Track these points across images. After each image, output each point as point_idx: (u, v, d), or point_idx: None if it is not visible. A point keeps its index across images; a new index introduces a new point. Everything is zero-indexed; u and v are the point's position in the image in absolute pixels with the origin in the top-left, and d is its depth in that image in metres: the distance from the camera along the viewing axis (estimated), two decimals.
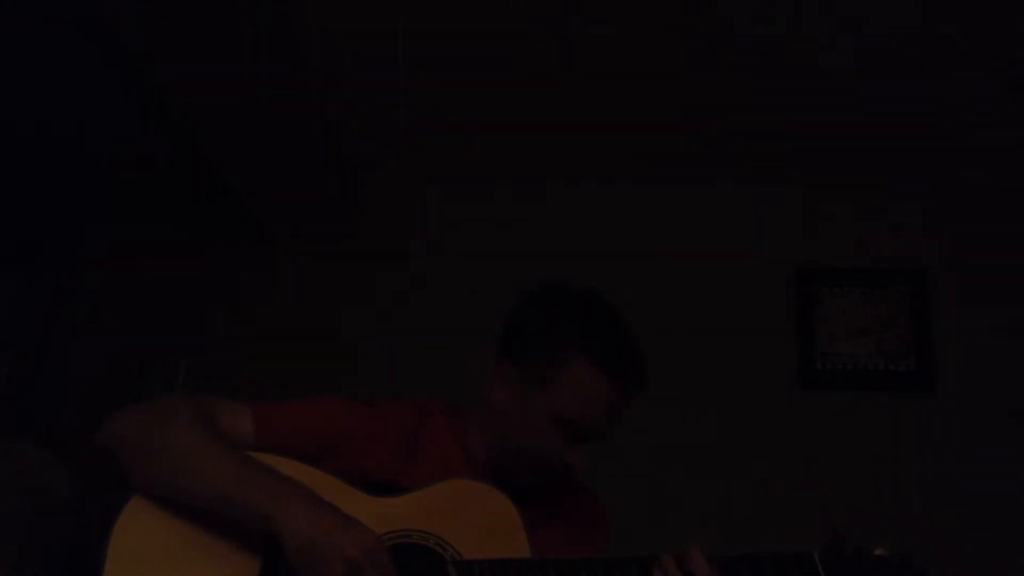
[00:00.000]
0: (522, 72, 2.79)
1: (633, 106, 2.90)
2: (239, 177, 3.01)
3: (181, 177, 3.22)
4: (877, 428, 2.85)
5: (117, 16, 2.29)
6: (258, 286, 3.26)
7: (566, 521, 1.57)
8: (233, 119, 2.75)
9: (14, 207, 3.20)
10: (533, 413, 1.48)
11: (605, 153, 3.12)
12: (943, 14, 2.45)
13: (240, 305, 3.24)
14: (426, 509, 1.42)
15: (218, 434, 1.42)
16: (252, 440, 1.45)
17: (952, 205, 3.04)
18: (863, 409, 2.89)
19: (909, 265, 3.01)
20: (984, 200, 3.03)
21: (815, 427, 2.87)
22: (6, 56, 2.58)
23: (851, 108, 2.85)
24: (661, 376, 2.92)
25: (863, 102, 2.82)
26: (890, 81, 2.72)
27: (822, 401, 2.92)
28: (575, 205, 3.19)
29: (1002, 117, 2.82)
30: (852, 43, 2.59)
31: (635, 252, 3.07)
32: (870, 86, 2.75)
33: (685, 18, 2.54)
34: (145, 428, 1.42)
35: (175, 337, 3.15)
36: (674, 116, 2.92)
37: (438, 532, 1.40)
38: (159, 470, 1.39)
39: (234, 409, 1.48)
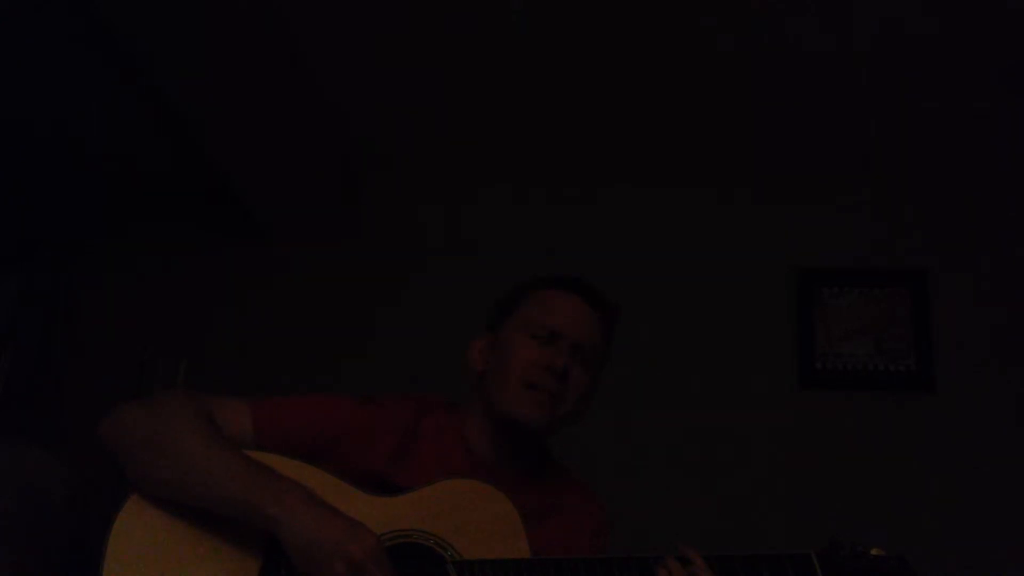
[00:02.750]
0: (524, 74, 2.79)
1: (633, 108, 2.90)
2: (239, 177, 3.01)
3: (181, 177, 3.22)
4: (877, 428, 2.85)
5: (118, 16, 2.30)
6: (258, 286, 3.25)
7: (564, 515, 1.58)
8: (233, 119, 2.76)
9: (14, 207, 3.20)
10: (506, 343, 1.58)
11: (606, 155, 3.12)
12: (944, 14, 2.45)
13: (240, 305, 3.24)
14: (426, 509, 1.42)
15: (219, 433, 1.42)
16: (251, 437, 1.45)
17: (952, 205, 3.05)
18: (863, 409, 2.88)
19: (909, 265, 3.01)
20: (984, 200, 3.03)
21: (815, 427, 2.87)
22: (6, 56, 2.58)
23: (851, 108, 2.85)
24: (662, 376, 2.95)
25: (863, 103, 2.82)
26: (890, 81, 2.72)
27: (822, 401, 2.91)
28: (576, 206, 3.19)
29: (1002, 117, 2.82)
30: (852, 44, 2.59)
31: (635, 253, 3.07)
32: (870, 86, 2.74)
33: (687, 19, 2.54)
34: (145, 425, 1.42)
35: (175, 337, 3.15)
36: (674, 117, 2.92)
37: (438, 532, 1.40)
38: (160, 468, 1.39)
39: (232, 406, 1.48)
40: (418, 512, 1.42)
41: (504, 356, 1.57)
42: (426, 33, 2.64)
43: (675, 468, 2.83)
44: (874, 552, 1.41)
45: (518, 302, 1.64)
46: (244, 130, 2.81)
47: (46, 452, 2.00)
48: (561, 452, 1.68)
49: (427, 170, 3.28)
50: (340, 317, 3.16)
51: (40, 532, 1.81)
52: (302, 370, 2.95)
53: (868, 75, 2.70)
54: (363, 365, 3.00)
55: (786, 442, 2.85)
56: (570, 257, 2.93)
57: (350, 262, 3.23)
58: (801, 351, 2.97)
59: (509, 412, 1.53)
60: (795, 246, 3.07)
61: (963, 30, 2.50)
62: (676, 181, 3.15)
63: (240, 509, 1.35)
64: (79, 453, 1.61)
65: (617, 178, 3.18)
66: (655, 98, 2.85)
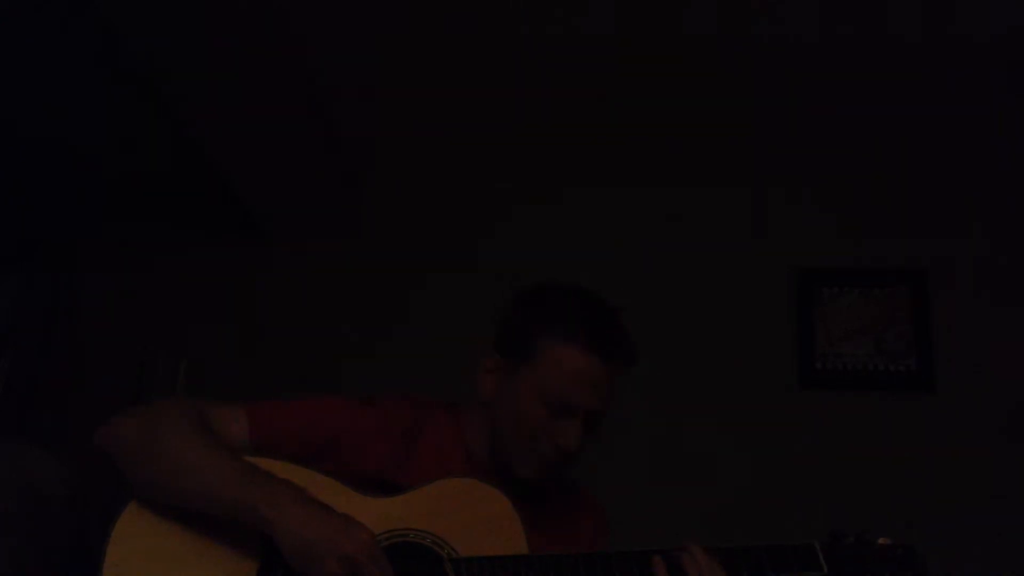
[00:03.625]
0: (525, 74, 2.79)
1: (633, 107, 2.90)
2: (239, 177, 3.01)
3: (181, 177, 3.22)
4: (877, 428, 2.85)
5: (118, 16, 2.30)
6: (258, 286, 3.25)
7: (562, 525, 1.57)
8: (233, 119, 2.75)
9: (14, 207, 3.20)
10: (517, 395, 1.50)
11: (606, 154, 3.12)
12: (943, 14, 2.45)
13: (240, 305, 3.23)
14: (424, 508, 1.42)
15: (214, 437, 1.42)
16: (248, 441, 1.46)
17: (952, 205, 3.04)
18: (863, 409, 2.88)
19: (909, 265, 3.01)
20: (984, 200, 3.03)
21: (815, 427, 2.86)
22: (6, 56, 2.58)
23: (851, 108, 2.85)
24: (661, 376, 2.95)
25: (863, 102, 2.82)
26: (890, 81, 2.72)
27: (822, 401, 2.91)
28: (576, 206, 3.19)
29: (1002, 116, 2.82)
30: (851, 43, 2.59)
31: (635, 252, 3.07)
32: (870, 86, 2.75)
33: (687, 19, 2.54)
34: (141, 432, 1.42)
35: (175, 337, 3.15)
36: (673, 116, 2.92)
37: (436, 531, 1.40)
38: (156, 474, 1.39)
39: (229, 411, 1.48)
40: (415, 511, 1.42)
41: (514, 410, 1.51)
42: (426, 33, 2.64)
43: (675, 468, 2.83)
44: (881, 541, 1.41)
45: (533, 350, 1.51)
46: (244, 130, 2.81)
47: (46, 452, 2.00)
48: None
49: (427, 170, 3.28)
50: (340, 317, 3.16)
51: (40, 532, 1.81)
52: (302, 370, 2.95)
53: (868, 75, 2.70)
54: (363, 365, 3.00)
55: (786, 442, 2.85)
56: (570, 257, 2.93)
57: (350, 262, 3.23)
58: (801, 351, 2.97)
59: (510, 467, 1.51)
60: (795, 246, 3.07)
61: (963, 30, 2.50)
62: (676, 181, 3.15)
63: (236, 512, 1.35)
64: (79, 453, 1.61)
65: (617, 178, 3.17)
66: (655, 98, 2.85)
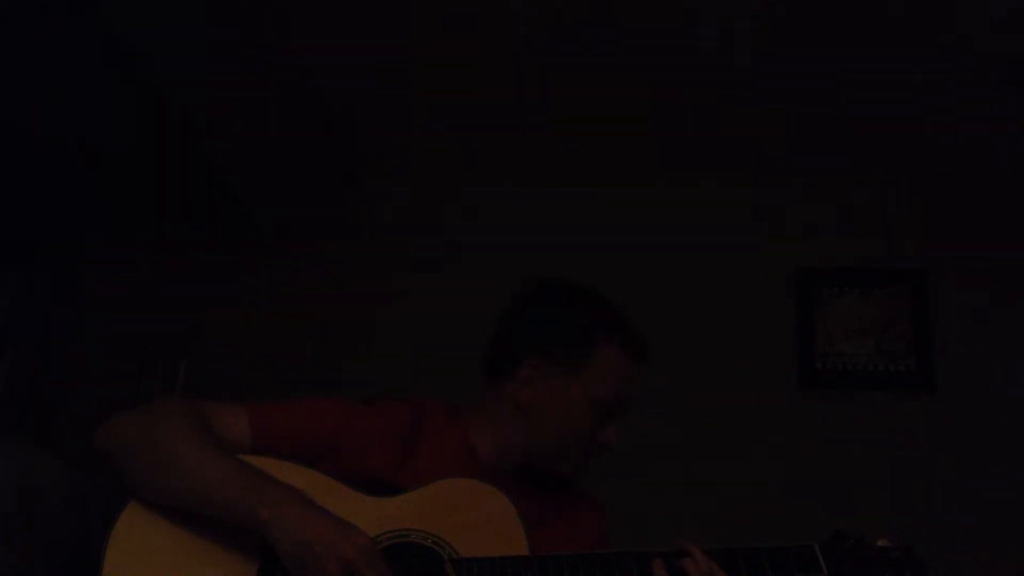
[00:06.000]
0: (522, 73, 2.79)
1: (633, 105, 2.90)
2: (239, 177, 3.02)
3: (181, 177, 3.22)
4: (877, 428, 2.85)
5: (118, 16, 2.30)
6: (258, 286, 3.25)
7: (565, 523, 1.57)
8: (233, 120, 2.76)
9: (14, 207, 3.20)
10: (571, 400, 1.54)
11: (605, 153, 3.12)
12: (943, 14, 2.45)
13: (240, 305, 3.23)
14: (424, 508, 1.42)
15: (212, 438, 1.42)
16: (248, 442, 1.45)
17: (952, 205, 3.05)
18: (863, 409, 2.88)
19: (909, 265, 3.01)
20: (984, 199, 3.03)
21: (815, 427, 2.87)
22: (6, 56, 2.58)
23: (851, 107, 2.85)
24: (661, 376, 2.95)
25: (863, 101, 2.81)
26: (889, 80, 2.72)
27: (822, 401, 2.92)
28: (576, 205, 3.19)
29: (1001, 116, 2.82)
30: (852, 44, 2.59)
31: (636, 252, 3.07)
32: (869, 85, 2.74)
33: (686, 16, 2.54)
34: (140, 433, 1.42)
35: (175, 337, 3.15)
36: (673, 115, 2.92)
37: (436, 531, 1.40)
38: (154, 475, 1.39)
39: (229, 411, 1.48)
40: (416, 512, 1.42)
41: (563, 416, 1.55)
42: (426, 33, 2.64)
43: (675, 468, 2.83)
44: (880, 543, 1.41)
45: (592, 355, 1.55)
46: (244, 130, 2.81)
47: (46, 452, 1.99)
48: None
49: (428, 170, 3.28)
50: (340, 317, 3.16)
51: (40, 532, 1.80)
52: (302, 370, 2.95)
53: (868, 75, 2.70)
54: (364, 365, 3.00)
55: (786, 442, 2.85)
56: (572, 257, 2.93)
57: (350, 262, 3.23)
58: (801, 351, 2.97)
59: (552, 468, 1.56)
60: (795, 246, 3.07)
61: (964, 29, 2.50)
62: (676, 181, 3.16)
63: (233, 514, 1.35)
64: (79, 453, 1.61)
65: (617, 178, 3.18)
66: (654, 98, 2.85)
